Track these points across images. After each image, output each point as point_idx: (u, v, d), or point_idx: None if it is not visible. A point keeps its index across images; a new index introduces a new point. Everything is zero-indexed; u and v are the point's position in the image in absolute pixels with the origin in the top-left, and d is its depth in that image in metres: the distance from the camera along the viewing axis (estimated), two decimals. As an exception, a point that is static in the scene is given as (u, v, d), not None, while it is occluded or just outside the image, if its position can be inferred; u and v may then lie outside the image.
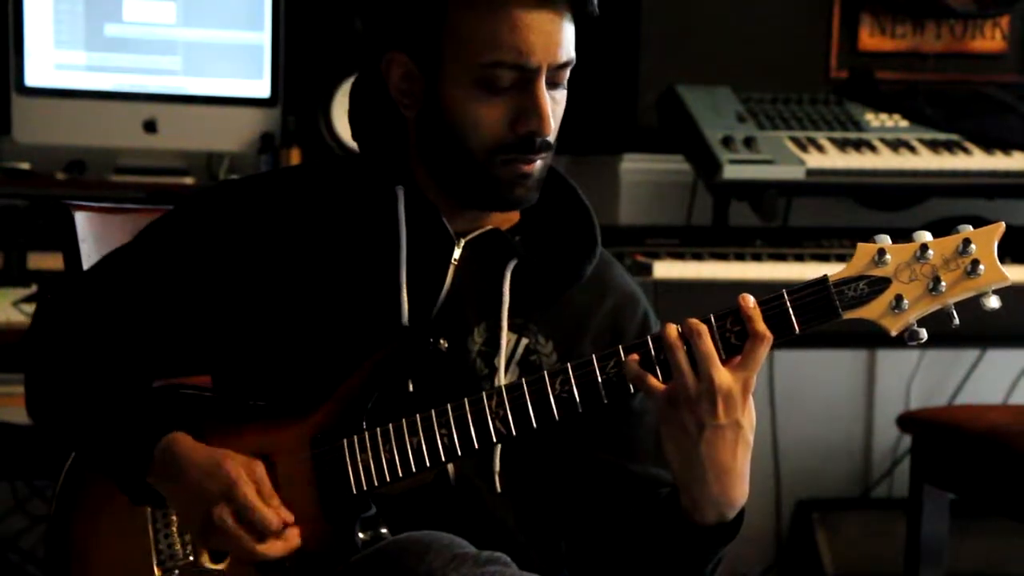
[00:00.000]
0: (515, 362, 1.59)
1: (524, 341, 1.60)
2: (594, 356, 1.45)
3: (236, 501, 1.47)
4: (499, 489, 1.57)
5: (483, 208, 1.60)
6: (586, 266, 1.63)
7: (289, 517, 1.49)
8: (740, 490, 1.45)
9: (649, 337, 1.44)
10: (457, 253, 1.60)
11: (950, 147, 3.09)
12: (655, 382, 1.42)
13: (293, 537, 1.49)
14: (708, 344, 1.40)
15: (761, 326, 1.40)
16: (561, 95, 1.55)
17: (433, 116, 1.55)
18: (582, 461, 1.62)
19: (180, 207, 1.67)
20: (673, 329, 1.41)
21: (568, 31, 1.52)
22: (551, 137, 1.54)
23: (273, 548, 1.48)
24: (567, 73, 1.54)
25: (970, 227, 1.39)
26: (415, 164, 1.61)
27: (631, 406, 1.61)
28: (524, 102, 1.51)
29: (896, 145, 3.08)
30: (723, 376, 1.39)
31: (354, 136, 1.67)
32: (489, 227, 1.61)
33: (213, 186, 1.77)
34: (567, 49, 1.52)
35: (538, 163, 1.55)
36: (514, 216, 1.65)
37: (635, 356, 1.43)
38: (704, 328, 1.40)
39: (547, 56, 1.50)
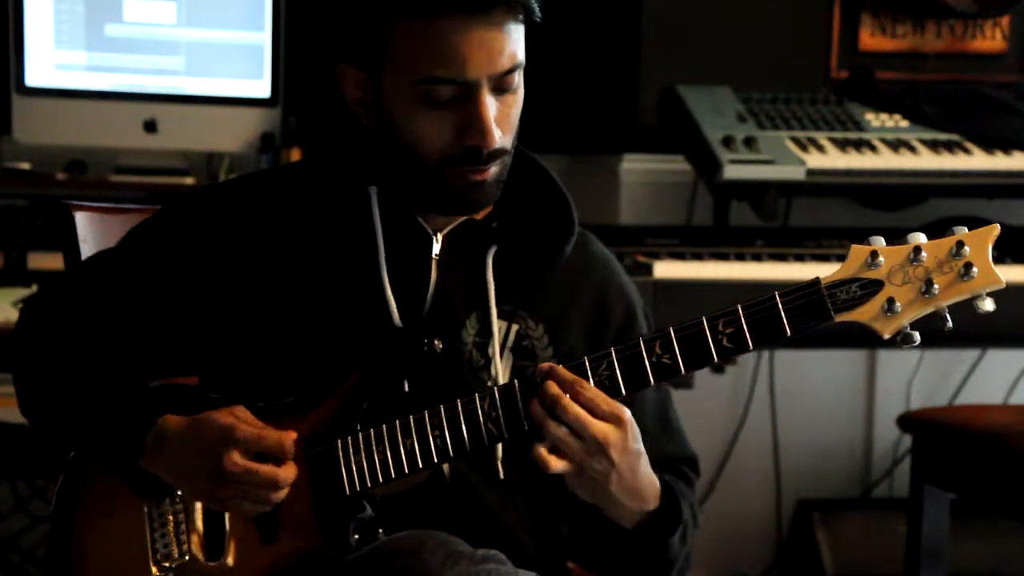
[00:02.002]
0: (508, 349, 1.60)
1: (515, 327, 1.61)
2: (586, 358, 1.46)
3: (239, 440, 1.46)
4: (502, 476, 1.57)
5: (445, 213, 1.60)
6: (566, 246, 1.63)
7: (289, 434, 1.49)
8: (650, 491, 1.52)
9: (641, 340, 1.45)
10: (436, 248, 1.61)
11: (950, 147, 3.09)
12: (558, 463, 1.44)
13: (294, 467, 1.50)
14: (576, 409, 1.42)
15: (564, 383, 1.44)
16: (512, 98, 1.53)
17: (386, 127, 1.54)
18: None
19: (164, 210, 1.67)
20: (538, 407, 1.44)
21: (511, 37, 1.49)
22: (501, 144, 1.52)
23: (290, 472, 1.48)
24: (516, 76, 1.52)
25: (965, 229, 1.38)
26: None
27: None
28: (466, 116, 1.49)
29: (896, 145, 3.08)
30: (601, 428, 1.43)
31: (323, 140, 1.68)
32: (464, 218, 1.61)
33: (196, 189, 1.78)
34: (511, 55, 1.49)
35: (492, 170, 1.53)
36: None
37: (543, 448, 1.44)
38: (566, 397, 1.43)
39: (486, 68, 1.48)
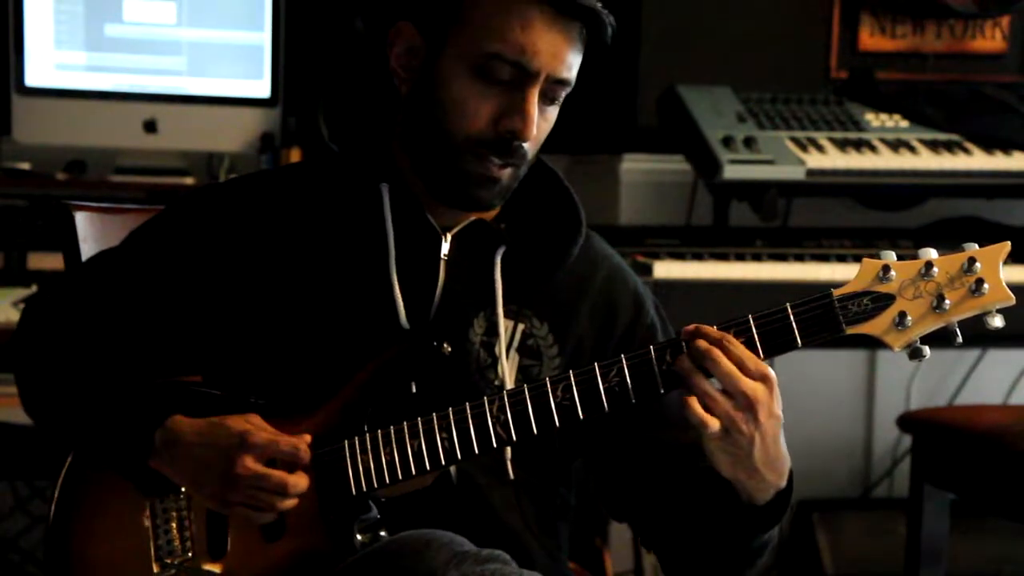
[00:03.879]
0: (514, 348, 1.60)
1: (520, 326, 1.61)
2: (596, 364, 1.45)
3: (255, 445, 1.47)
4: (512, 477, 1.57)
5: (447, 203, 1.59)
6: (573, 247, 1.64)
7: (304, 438, 1.49)
8: (786, 465, 1.49)
9: (652, 347, 1.44)
10: (445, 248, 1.61)
11: (950, 147, 3.09)
12: (712, 421, 1.40)
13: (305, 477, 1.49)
14: (727, 363, 1.40)
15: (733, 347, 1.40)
16: (552, 113, 1.56)
17: (425, 92, 1.55)
18: (606, 436, 1.63)
19: (168, 209, 1.68)
20: (686, 360, 1.41)
21: (576, 53, 1.54)
22: (529, 147, 1.54)
23: (300, 480, 1.48)
24: (563, 94, 1.55)
25: (975, 245, 1.39)
26: (400, 159, 1.61)
27: None
28: (514, 101, 1.51)
29: (896, 145, 3.08)
30: (750, 385, 1.40)
31: (331, 137, 1.68)
32: (473, 218, 1.62)
33: (200, 188, 1.78)
34: (570, 69, 1.53)
35: (508, 170, 1.55)
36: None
37: (698, 404, 1.40)
38: (716, 350, 1.40)
39: (550, 66, 1.51)
